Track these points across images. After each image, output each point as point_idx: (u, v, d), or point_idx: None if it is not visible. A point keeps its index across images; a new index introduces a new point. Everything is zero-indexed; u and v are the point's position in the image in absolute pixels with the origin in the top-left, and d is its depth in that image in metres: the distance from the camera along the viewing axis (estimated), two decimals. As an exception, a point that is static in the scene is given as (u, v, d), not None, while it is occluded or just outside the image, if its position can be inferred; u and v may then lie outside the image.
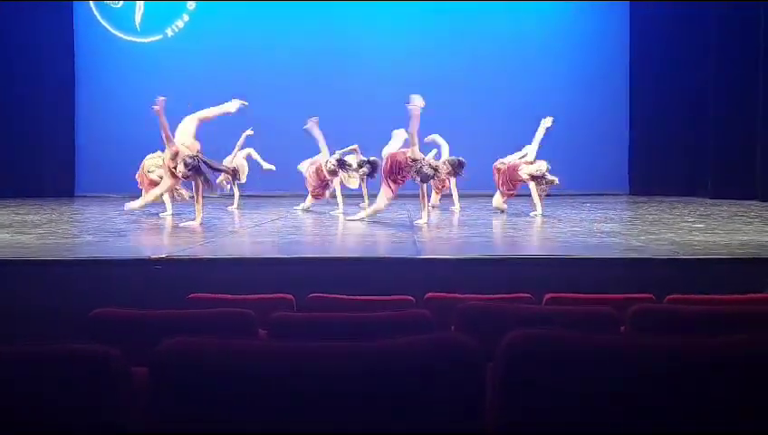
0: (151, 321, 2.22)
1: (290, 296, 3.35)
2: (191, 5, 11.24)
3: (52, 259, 4.31)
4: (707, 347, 1.27)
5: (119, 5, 11.22)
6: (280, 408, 1.14)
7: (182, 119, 6.75)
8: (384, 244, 5.35)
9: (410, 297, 3.25)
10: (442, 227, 6.25)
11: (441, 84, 10.99)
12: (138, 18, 11.24)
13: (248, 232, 5.96)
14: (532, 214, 7.25)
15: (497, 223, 6.56)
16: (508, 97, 11.15)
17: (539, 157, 7.55)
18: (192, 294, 3.22)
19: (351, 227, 6.66)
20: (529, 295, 3.12)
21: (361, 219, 6.81)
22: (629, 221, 7.12)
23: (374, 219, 7.10)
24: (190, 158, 6.01)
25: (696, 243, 4.84)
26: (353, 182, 7.63)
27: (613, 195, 10.72)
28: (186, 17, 11.25)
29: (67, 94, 10.95)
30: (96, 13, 11.15)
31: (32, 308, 3.97)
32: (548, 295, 3.08)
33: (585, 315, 2.21)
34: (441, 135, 8.40)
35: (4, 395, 1.24)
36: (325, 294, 3.26)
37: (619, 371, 1.25)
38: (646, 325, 2.24)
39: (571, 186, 11.08)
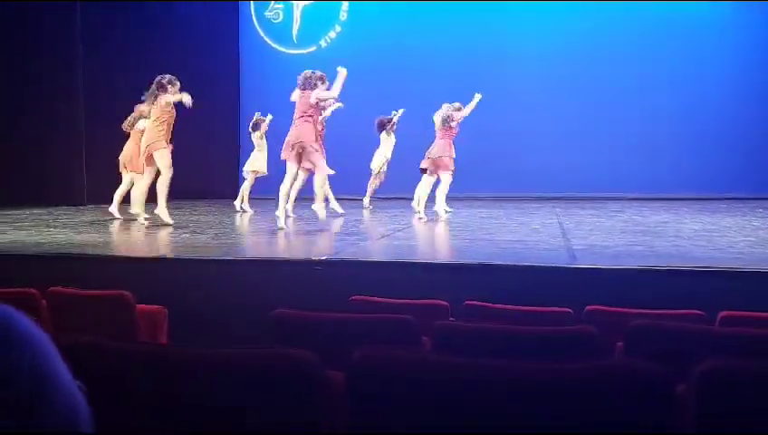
0: (326, 323, 2.37)
1: (445, 303, 3.41)
2: (343, 15, 11.75)
3: (228, 259, 4.72)
4: None
5: (278, 20, 12.01)
6: (469, 423, 1.19)
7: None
8: (535, 250, 5.25)
9: (568, 309, 3.18)
10: (595, 234, 6.00)
11: (612, 87, 10.77)
12: (295, 31, 11.97)
13: (397, 235, 6.13)
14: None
15: (658, 230, 6.18)
16: (672, 100, 10.71)
17: None
18: (354, 296, 3.39)
19: (497, 232, 6.61)
20: (701, 313, 2.92)
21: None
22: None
23: (525, 225, 6.97)
24: None
25: None
26: None
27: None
28: (338, 28, 11.79)
29: (234, 103, 11.92)
30: (258, 28, 12.03)
31: (207, 302, 4.39)
32: (722, 313, 2.87)
33: (774, 341, 2.02)
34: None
35: (200, 396, 1.39)
36: (481, 303, 3.28)
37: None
38: None
39: (737, 189, 10.21)
